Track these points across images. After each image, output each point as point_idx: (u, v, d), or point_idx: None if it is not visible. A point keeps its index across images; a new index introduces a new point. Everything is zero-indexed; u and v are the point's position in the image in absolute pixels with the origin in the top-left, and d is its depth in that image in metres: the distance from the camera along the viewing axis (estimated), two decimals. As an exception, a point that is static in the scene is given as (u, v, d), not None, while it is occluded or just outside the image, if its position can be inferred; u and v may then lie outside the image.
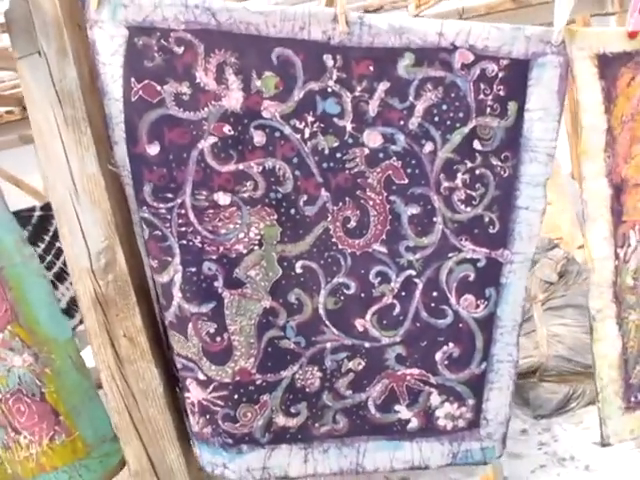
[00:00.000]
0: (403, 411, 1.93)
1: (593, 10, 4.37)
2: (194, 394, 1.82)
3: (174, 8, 1.63)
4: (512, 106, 1.75)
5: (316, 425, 1.90)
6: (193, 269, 1.72)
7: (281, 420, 1.87)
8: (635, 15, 1.76)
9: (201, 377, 1.80)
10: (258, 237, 1.75)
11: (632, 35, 1.77)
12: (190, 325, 1.76)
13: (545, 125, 1.77)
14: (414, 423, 1.94)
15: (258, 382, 1.82)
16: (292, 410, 1.88)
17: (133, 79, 1.64)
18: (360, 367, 1.88)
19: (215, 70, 1.66)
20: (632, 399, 2.01)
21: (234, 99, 1.67)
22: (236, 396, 1.81)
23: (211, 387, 1.80)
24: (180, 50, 1.64)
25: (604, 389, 1.97)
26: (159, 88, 1.65)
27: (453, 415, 1.94)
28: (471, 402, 1.94)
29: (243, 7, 1.63)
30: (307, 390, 1.87)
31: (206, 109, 1.67)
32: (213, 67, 1.65)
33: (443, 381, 1.91)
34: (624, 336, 1.96)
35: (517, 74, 1.73)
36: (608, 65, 1.78)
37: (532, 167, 1.79)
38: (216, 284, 1.74)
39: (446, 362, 1.89)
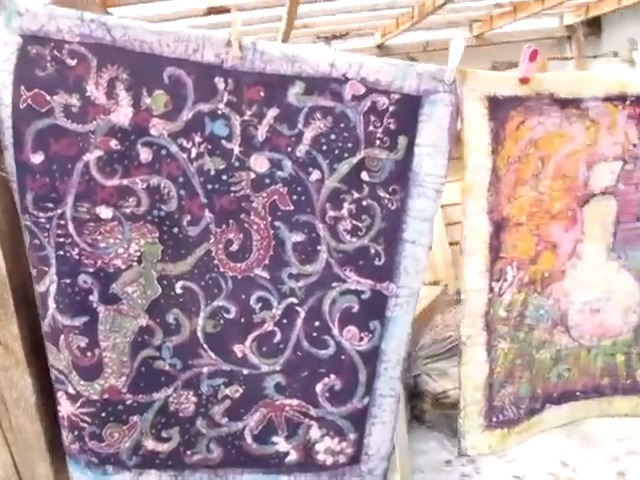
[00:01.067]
0: (281, 443, 1.86)
1: (552, 54, 4.47)
2: (64, 408, 1.75)
3: (69, 20, 1.61)
4: (402, 140, 1.74)
5: (188, 452, 1.83)
6: (68, 280, 1.67)
7: (150, 444, 1.79)
8: (526, 62, 1.78)
9: (70, 391, 1.73)
10: (138, 254, 1.70)
11: (523, 81, 1.79)
12: (62, 337, 1.69)
13: (434, 161, 1.76)
14: (293, 456, 1.87)
15: (128, 402, 1.75)
16: (163, 434, 1.80)
17: (23, 87, 1.61)
18: (237, 394, 1.81)
19: (106, 84, 1.63)
20: (494, 419, 2.02)
21: (123, 114, 1.65)
22: (104, 414, 1.74)
23: (79, 402, 1.73)
24: (73, 62, 1.62)
25: (467, 407, 1.97)
26: (49, 98, 1.62)
27: (333, 450, 1.88)
28: (352, 437, 1.88)
29: (139, 25, 1.62)
30: (180, 415, 1.80)
31: (94, 122, 1.64)
32: (104, 81, 1.63)
33: (324, 414, 1.85)
34: (492, 362, 1.97)
35: (408, 109, 1.73)
36: (498, 107, 1.79)
37: (420, 202, 1.78)
38: (91, 298, 1.69)
39: (327, 394, 1.83)
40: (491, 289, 1.91)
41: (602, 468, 3.30)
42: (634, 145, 1.93)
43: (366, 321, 1.81)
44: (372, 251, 1.78)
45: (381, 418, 1.88)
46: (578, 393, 2.14)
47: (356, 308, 1.80)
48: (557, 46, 4.75)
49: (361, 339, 1.81)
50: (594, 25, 4.66)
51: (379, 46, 4.39)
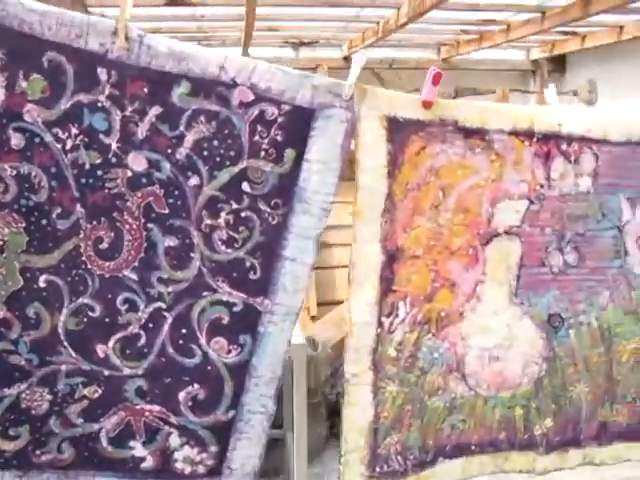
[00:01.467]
0: (138, 448, 1.76)
1: (516, 86, 4.42)
2: None
3: None
4: (289, 153, 1.65)
5: (37, 452, 1.72)
6: None
7: None
8: (429, 85, 1.69)
9: None
10: (0, 242, 1.61)
11: (426, 105, 1.70)
12: None
13: (323, 178, 1.67)
14: (149, 462, 1.77)
15: (-25, 396, 1.65)
16: (11, 432, 1.70)
17: None
18: (96, 395, 1.71)
19: None
20: (377, 469, 1.88)
21: (-5, 96, 1.57)
22: (-52, 407, 1.64)
23: None
24: None
25: (348, 453, 1.84)
26: None
27: (193, 460, 1.78)
28: (214, 449, 1.78)
29: (19, 2, 1.55)
30: (32, 412, 1.70)
31: (-39, 100, 1.56)
32: (-24, 58, 1.56)
33: (185, 423, 1.75)
34: (378, 405, 1.83)
35: (299, 122, 1.65)
36: (398, 130, 1.70)
37: (304, 219, 1.68)
38: None
39: (190, 403, 1.74)
40: (380, 324, 1.79)
41: None
42: (541, 185, 1.83)
43: (236, 334, 1.72)
44: (247, 264, 1.69)
45: (248, 434, 1.78)
46: (473, 447, 1.99)
47: (226, 320, 1.70)
48: (521, 79, 4.71)
49: (229, 351, 1.72)
50: (559, 62, 4.63)
51: (345, 58, 4.35)
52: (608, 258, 1.94)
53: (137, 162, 1.63)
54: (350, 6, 3.94)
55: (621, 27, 4.20)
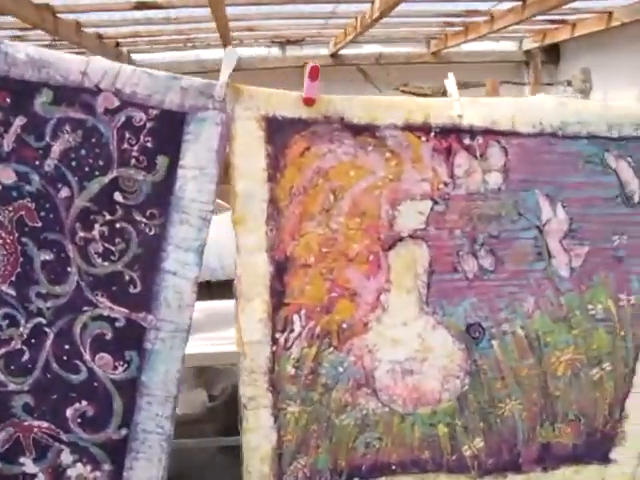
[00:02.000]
0: (29, 465, 1.66)
1: (510, 78, 4.22)
2: None
3: None
4: (162, 160, 1.55)
5: None
6: None
7: None
8: (307, 81, 1.56)
9: None
10: None
11: (307, 101, 1.57)
12: None
13: (200, 185, 1.56)
14: (41, 479, 1.67)
15: None
16: None
17: None
18: None
19: None
20: None
21: None
22: None
23: None
24: None
25: None
26: None
27: (86, 477, 1.68)
28: (108, 467, 1.67)
29: None
30: None
31: None
32: None
33: (76, 439, 1.65)
34: (281, 428, 1.70)
35: (169, 127, 1.55)
36: (278, 130, 1.57)
37: (182, 229, 1.57)
38: None
39: (79, 420, 1.64)
40: (275, 341, 1.65)
41: None
42: (445, 184, 1.66)
43: (121, 350, 1.61)
44: (126, 278, 1.58)
45: (146, 454, 1.67)
46: (394, 466, 1.83)
47: (109, 335, 1.60)
48: (515, 71, 4.49)
49: (115, 368, 1.62)
50: (553, 53, 4.41)
51: (332, 55, 4.21)
52: (529, 261, 1.76)
53: (5, 175, 1.55)
54: (324, 2, 3.82)
55: (610, 13, 3.99)
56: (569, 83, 4.02)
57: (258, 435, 1.69)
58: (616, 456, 1.93)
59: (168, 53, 3.97)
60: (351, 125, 1.60)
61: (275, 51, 4.35)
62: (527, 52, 4.48)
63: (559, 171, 1.72)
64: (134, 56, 3.99)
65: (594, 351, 1.86)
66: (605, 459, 1.93)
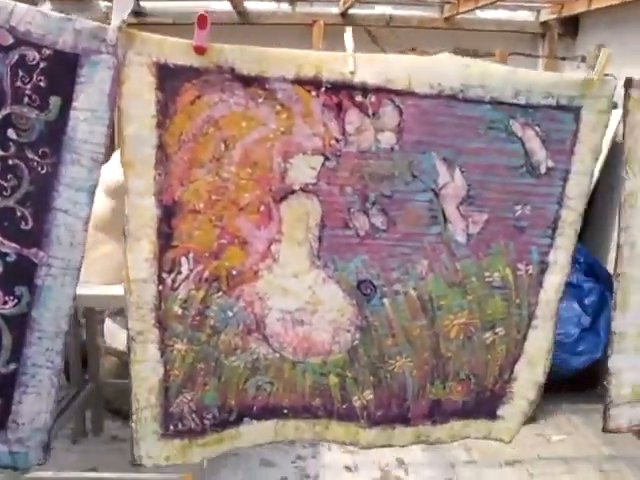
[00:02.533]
0: None
1: (525, 49, 4.02)
2: None
3: None
4: (55, 101, 1.56)
5: None
6: None
7: None
8: (196, 30, 1.54)
9: None
10: None
11: (198, 50, 1.55)
12: None
13: (92, 127, 1.57)
14: None
15: None
16: None
17: None
18: None
19: None
20: (171, 427, 1.79)
21: None
22: None
23: None
24: None
25: (140, 411, 1.75)
26: None
27: None
28: None
29: None
30: None
31: None
32: None
33: None
34: (167, 363, 1.73)
35: (63, 68, 1.54)
36: (169, 77, 1.56)
37: (74, 170, 1.59)
38: None
39: None
40: (162, 281, 1.67)
41: (435, 473, 3.03)
42: (336, 140, 1.63)
43: (11, 285, 1.64)
44: (18, 214, 1.61)
45: (36, 388, 1.72)
46: (285, 410, 1.87)
47: (0, 270, 1.66)
48: (531, 42, 4.25)
49: (5, 302, 1.65)
50: (571, 26, 4.13)
51: (342, 14, 4.07)
52: (423, 224, 1.72)
53: None
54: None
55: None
56: (583, 59, 3.79)
57: (146, 367, 1.73)
58: (503, 413, 1.95)
59: (177, 3, 3.93)
60: (242, 76, 1.57)
61: (285, 6, 4.23)
62: (544, 23, 4.22)
63: (458, 135, 1.66)
64: (143, 3, 3.97)
65: (488, 316, 1.83)
66: (492, 415, 1.95)
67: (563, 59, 3.90)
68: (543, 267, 1.80)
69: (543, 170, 1.72)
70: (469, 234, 1.74)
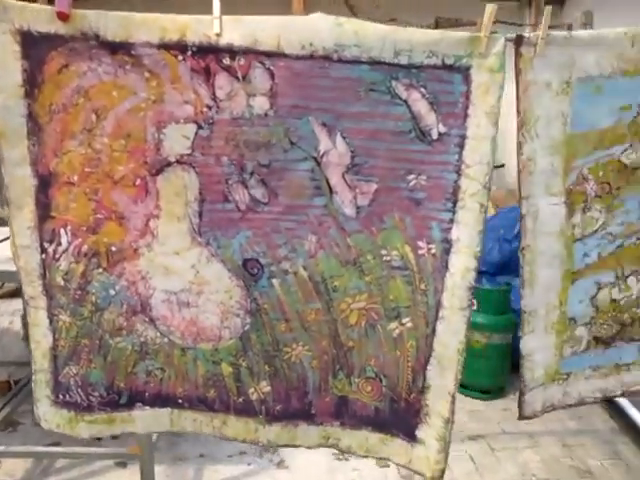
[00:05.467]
0: None
1: (512, 18, 3.72)
2: None
3: None
4: None
5: None
6: None
7: None
8: (63, -6, 1.41)
9: None
10: None
11: (60, 16, 1.39)
12: None
13: None
14: None
15: None
16: None
17: None
18: None
19: None
20: (60, 396, 1.62)
21: None
22: None
23: None
24: None
25: (36, 373, 1.61)
26: None
27: None
28: None
29: None
30: None
31: None
32: None
33: None
34: (55, 332, 1.56)
35: None
36: (34, 45, 1.39)
37: None
38: None
39: None
40: (44, 250, 1.49)
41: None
42: (208, 107, 1.43)
43: None
44: None
45: None
46: (180, 400, 1.62)
47: None
48: (518, 11, 3.94)
49: None
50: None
51: None
52: (307, 195, 1.47)
53: None
54: None
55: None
56: (569, 27, 3.52)
57: (39, 332, 1.56)
58: (422, 435, 1.58)
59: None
60: (107, 43, 1.39)
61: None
62: None
63: (337, 98, 1.43)
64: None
65: (391, 302, 1.53)
66: (412, 436, 1.58)
67: (550, 27, 3.59)
68: (446, 246, 1.48)
69: (435, 136, 1.47)
70: (358, 206, 1.50)
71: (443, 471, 1.59)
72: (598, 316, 1.69)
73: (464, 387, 3.21)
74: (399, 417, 1.59)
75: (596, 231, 1.61)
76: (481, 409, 3.15)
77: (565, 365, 1.69)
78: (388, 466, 2.60)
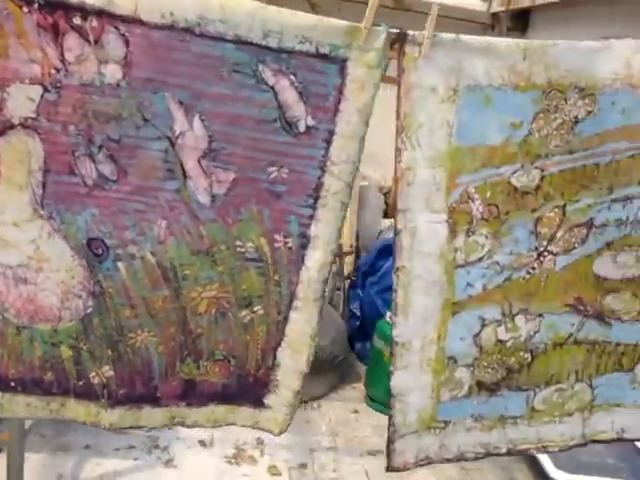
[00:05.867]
0: None
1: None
2: None
3: None
4: None
5: None
6: None
7: None
8: None
9: None
10: None
11: None
12: None
13: None
14: None
15: None
16: None
17: None
18: None
19: None
20: None
21: None
22: None
23: None
24: None
25: None
26: None
27: None
28: None
29: None
30: None
31: None
32: None
33: None
34: None
35: None
36: None
37: None
38: None
39: None
40: None
41: (292, 457, 2.67)
42: (56, 69, 1.29)
43: None
44: None
45: None
46: (13, 383, 1.52)
47: None
48: (481, 33, 3.88)
49: None
50: (521, 20, 3.77)
51: None
52: (158, 177, 1.35)
53: None
54: None
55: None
56: None
57: None
58: (269, 402, 1.53)
59: None
60: None
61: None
62: (494, 15, 3.87)
63: (197, 76, 1.31)
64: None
65: (243, 292, 1.42)
66: (259, 403, 1.54)
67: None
68: (304, 241, 1.40)
69: (302, 128, 1.36)
70: (213, 195, 1.39)
71: (288, 425, 1.57)
72: (482, 357, 1.53)
73: (373, 400, 3.17)
74: (247, 389, 1.55)
75: (481, 259, 1.47)
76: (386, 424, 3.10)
77: (443, 411, 1.55)
78: (280, 474, 2.54)
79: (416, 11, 3.78)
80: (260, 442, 2.72)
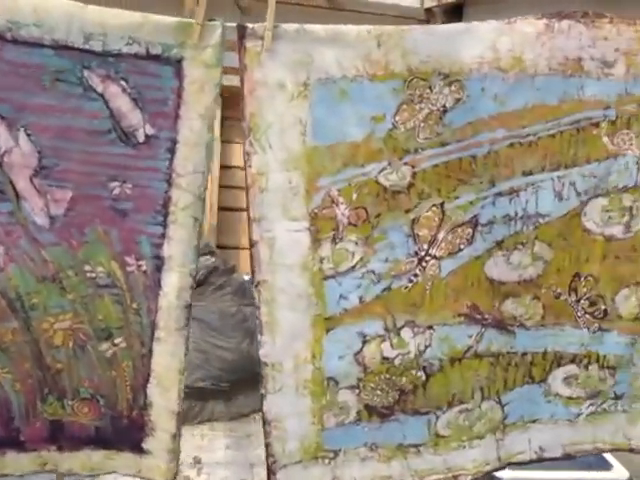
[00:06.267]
0: None
1: None
2: None
3: None
4: None
5: None
6: None
7: None
8: None
9: None
10: None
11: None
12: None
13: None
14: None
15: None
16: None
17: None
18: None
19: None
20: None
21: None
22: None
23: None
24: None
25: None
26: None
27: None
28: None
29: None
30: None
31: None
32: None
33: None
34: None
35: None
36: None
37: None
38: None
39: None
40: None
41: (231, 473, 2.51)
42: None
43: None
44: None
45: None
46: None
47: None
48: None
49: None
50: (455, 15, 3.62)
51: None
52: None
53: None
54: None
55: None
56: None
57: None
58: (148, 447, 1.39)
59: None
60: None
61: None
62: (428, 10, 3.74)
63: (15, 87, 1.17)
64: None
65: (100, 322, 1.30)
66: (138, 448, 1.40)
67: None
68: (158, 263, 1.26)
69: (141, 138, 1.23)
70: (52, 215, 1.25)
71: (175, 475, 1.42)
72: (367, 378, 1.37)
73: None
74: (123, 433, 1.40)
75: (354, 268, 1.32)
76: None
77: (329, 439, 1.38)
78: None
79: (351, 10, 3.64)
80: (197, 461, 2.57)
